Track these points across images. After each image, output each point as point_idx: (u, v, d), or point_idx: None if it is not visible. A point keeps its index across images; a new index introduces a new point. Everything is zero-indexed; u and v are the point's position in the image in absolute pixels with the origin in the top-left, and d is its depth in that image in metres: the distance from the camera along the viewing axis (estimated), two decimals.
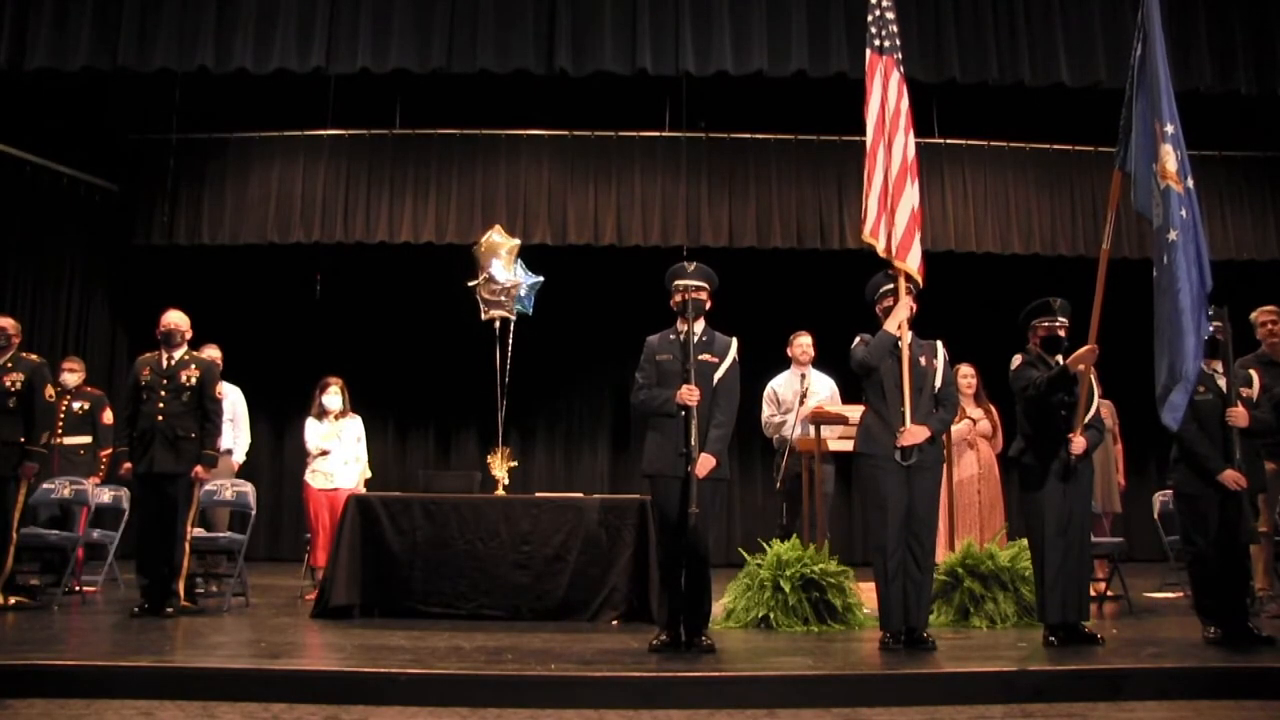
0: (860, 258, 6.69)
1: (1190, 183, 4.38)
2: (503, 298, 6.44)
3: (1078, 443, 4.52)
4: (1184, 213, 4.27)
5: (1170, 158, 4.32)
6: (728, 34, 7.17)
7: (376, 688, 3.68)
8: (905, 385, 4.49)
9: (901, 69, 5.05)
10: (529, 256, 7.04)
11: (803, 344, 6.58)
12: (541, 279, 6.63)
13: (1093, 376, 4.67)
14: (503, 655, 4.16)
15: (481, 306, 6.51)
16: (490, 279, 6.41)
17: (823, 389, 6.46)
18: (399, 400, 9.97)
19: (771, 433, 6.58)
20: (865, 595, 5.09)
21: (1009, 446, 4.91)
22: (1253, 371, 4.95)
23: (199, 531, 5.93)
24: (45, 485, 6.19)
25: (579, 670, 3.89)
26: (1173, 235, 4.24)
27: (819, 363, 6.65)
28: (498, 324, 6.47)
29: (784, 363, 6.73)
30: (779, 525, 6.32)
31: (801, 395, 6.36)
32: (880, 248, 4.82)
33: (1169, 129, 4.37)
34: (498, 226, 6.85)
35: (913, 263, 4.76)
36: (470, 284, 6.52)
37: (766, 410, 6.55)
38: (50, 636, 4.70)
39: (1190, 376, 4.16)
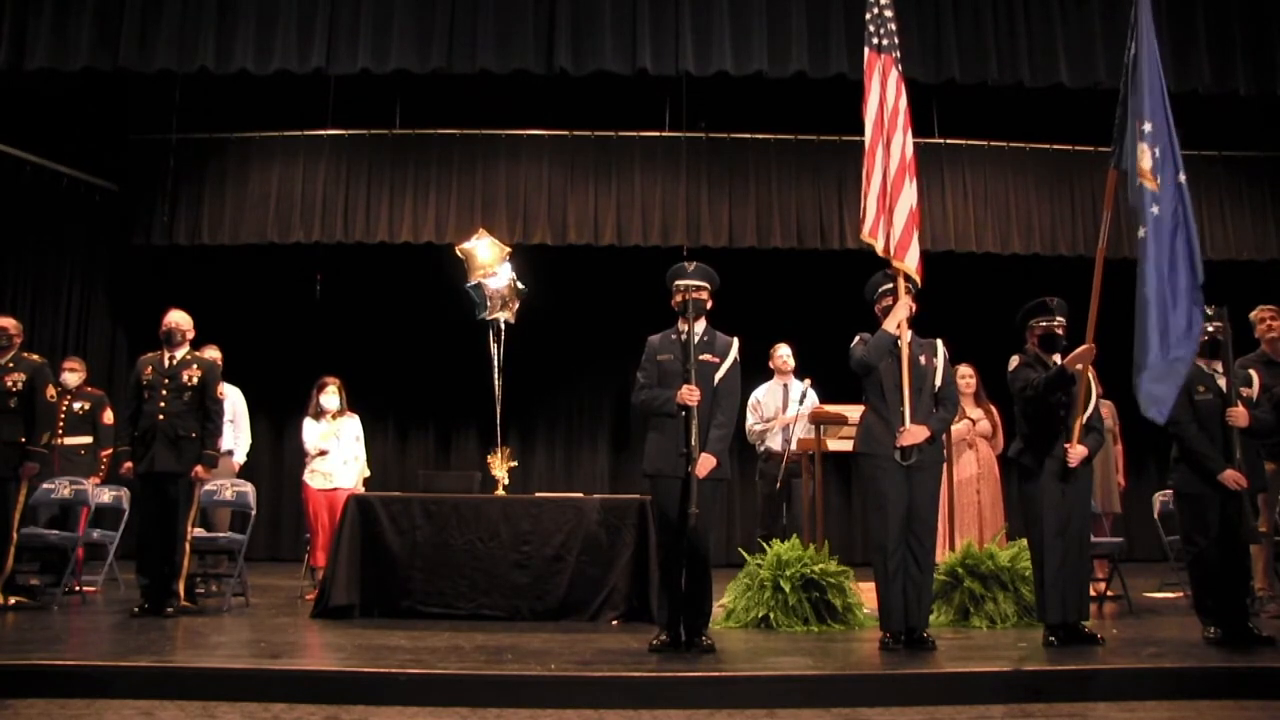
0: (860, 258, 6.69)
1: (1183, 178, 4.39)
2: (500, 301, 6.45)
3: (1075, 453, 4.51)
4: (1155, 209, 4.30)
5: (1145, 156, 4.34)
6: (728, 34, 7.17)
7: (376, 688, 3.68)
8: (905, 385, 4.49)
9: (900, 68, 5.04)
10: (530, 256, 7.03)
11: (783, 355, 6.87)
12: (523, 288, 6.63)
13: (1092, 376, 4.68)
14: (503, 655, 4.16)
15: (487, 305, 6.51)
16: (481, 287, 6.42)
17: (798, 394, 6.62)
18: (399, 400, 9.97)
19: (754, 440, 6.83)
20: (865, 595, 5.10)
21: (1009, 446, 4.92)
22: (1253, 371, 4.95)
23: (199, 531, 5.93)
24: (45, 485, 6.17)
25: (579, 670, 3.89)
26: (1141, 232, 4.30)
27: (818, 365, 6.75)
28: (503, 322, 6.48)
29: None
30: (779, 525, 6.36)
31: (783, 405, 6.65)
32: (879, 247, 4.81)
33: (1147, 127, 4.38)
34: (481, 230, 6.85)
35: (911, 262, 4.75)
36: (470, 284, 6.51)
37: (750, 419, 6.77)
38: (50, 636, 4.70)
39: (1148, 366, 4.18)
